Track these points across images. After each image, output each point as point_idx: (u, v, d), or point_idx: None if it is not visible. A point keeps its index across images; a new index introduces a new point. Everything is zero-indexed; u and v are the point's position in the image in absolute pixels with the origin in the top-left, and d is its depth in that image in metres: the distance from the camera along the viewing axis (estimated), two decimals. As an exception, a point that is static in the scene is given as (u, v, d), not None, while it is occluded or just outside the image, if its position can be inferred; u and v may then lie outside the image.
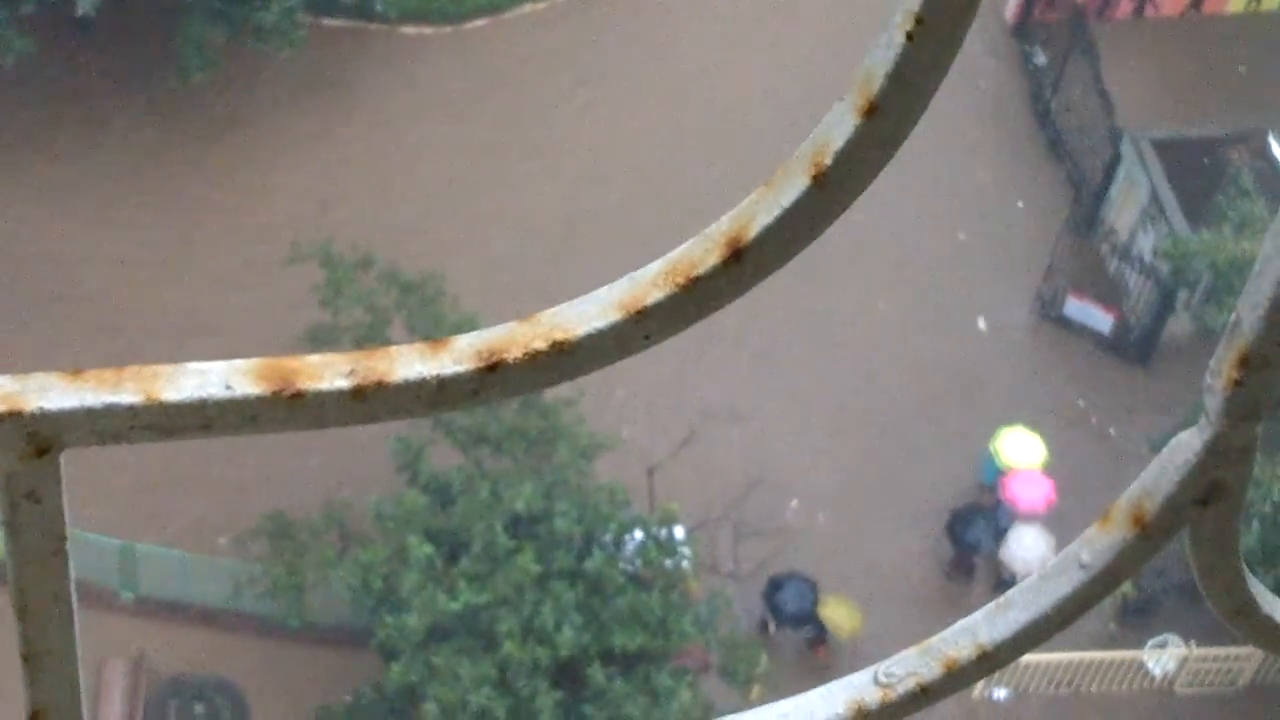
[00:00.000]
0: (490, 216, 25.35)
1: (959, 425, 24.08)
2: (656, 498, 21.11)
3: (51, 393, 1.11)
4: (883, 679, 1.45)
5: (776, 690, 21.61)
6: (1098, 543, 1.38)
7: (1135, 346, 25.53)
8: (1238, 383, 1.26)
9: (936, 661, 1.44)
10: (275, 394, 1.13)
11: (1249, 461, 1.32)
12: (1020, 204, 26.85)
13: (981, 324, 25.43)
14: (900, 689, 1.44)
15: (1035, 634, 1.42)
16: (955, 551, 23.23)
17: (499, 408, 20.87)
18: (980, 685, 22.45)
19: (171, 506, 22.44)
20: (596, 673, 19.02)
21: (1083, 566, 1.39)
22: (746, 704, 19.26)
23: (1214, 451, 1.31)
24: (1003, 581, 23.38)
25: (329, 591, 20.75)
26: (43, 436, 1.12)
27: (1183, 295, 25.24)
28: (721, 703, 20.27)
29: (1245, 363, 1.25)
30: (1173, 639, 22.54)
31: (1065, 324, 25.68)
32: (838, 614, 22.09)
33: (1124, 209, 26.45)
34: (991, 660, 1.43)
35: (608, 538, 20.19)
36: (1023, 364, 25.23)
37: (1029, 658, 22.33)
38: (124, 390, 1.12)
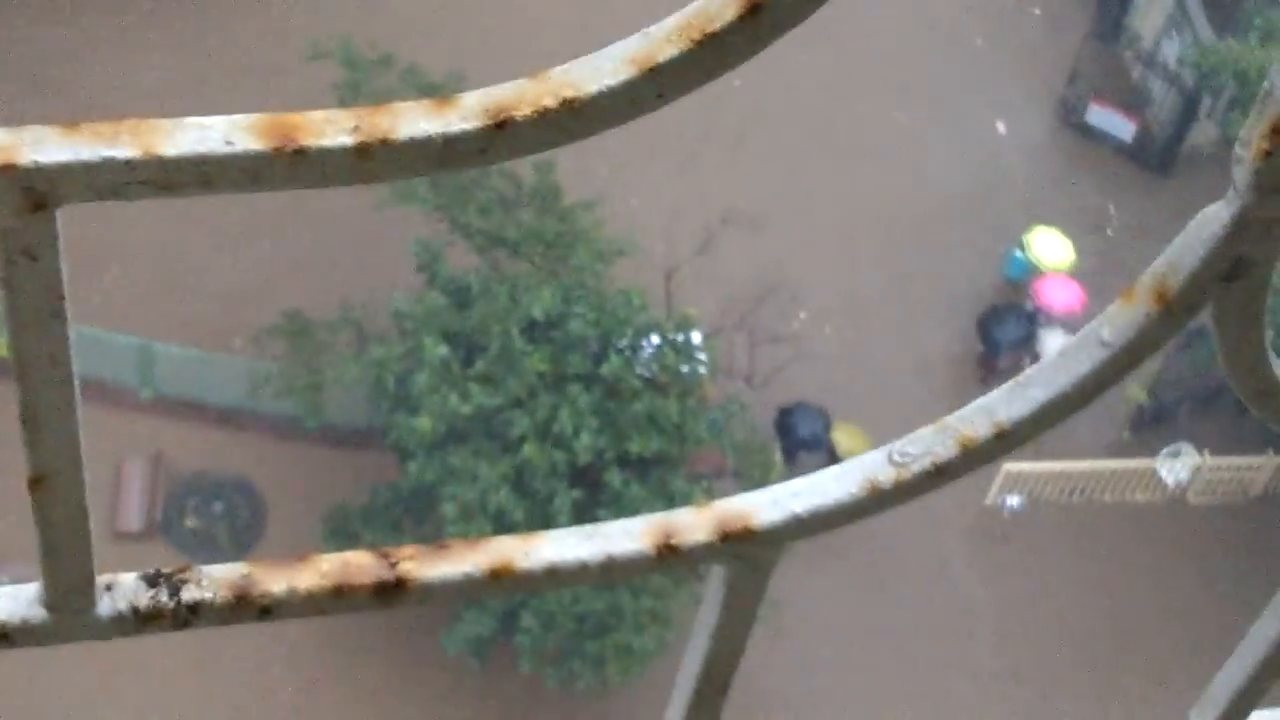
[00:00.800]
0: (512, 15, 25.12)
1: (980, 230, 24.01)
2: (673, 303, 21.08)
3: (47, 146, 1.08)
4: (897, 458, 1.43)
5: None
6: (1120, 319, 1.35)
7: (1157, 155, 25.37)
8: (1268, 153, 1.22)
9: (953, 440, 1.42)
10: (276, 150, 1.10)
11: (1277, 237, 1.29)
12: (1037, 10, 26.57)
13: (1001, 128, 25.27)
14: (915, 468, 1.42)
15: (1054, 412, 1.39)
16: (984, 350, 23.28)
17: (517, 209, 20.81)
18: (993, 492, 22.58)
19: (189, 306, 22.47)
20: (613, 477, 19.12)
21: (1104, 344, 1.36)
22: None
23: (1241, 225, 1.27)
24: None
25: (345, 391, 20.83)
26: (38, 191, 1.09)
27: (1206, 104, 25.04)
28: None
29: (1277, 132, 1.21)
30: (1186, 448, 22.62)
31: (1087, 131, 25.53)
32: (849, 440, 22.15)
33: (1149, 15, 26.15)
34: (1009, 439, 1.41)
35: (624, 342, 20.19)
36: (1043, 170, 25.11)
37: (1042, 465, 22.43)
38: (121, 144, 1.09)
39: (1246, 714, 1.84)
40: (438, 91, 20.58)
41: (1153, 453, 22.80)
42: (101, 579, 1.39)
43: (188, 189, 1.11)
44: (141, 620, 1.37)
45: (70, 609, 1.35)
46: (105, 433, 21.68)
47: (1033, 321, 23.19)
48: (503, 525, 19.02)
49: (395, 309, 20.22)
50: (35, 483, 1.29)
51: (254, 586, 1.38)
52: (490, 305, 19.78)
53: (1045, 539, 22.65)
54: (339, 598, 1.39)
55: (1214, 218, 1.28)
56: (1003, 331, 23.09)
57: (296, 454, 21.81)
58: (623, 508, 19.07)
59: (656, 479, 19.24)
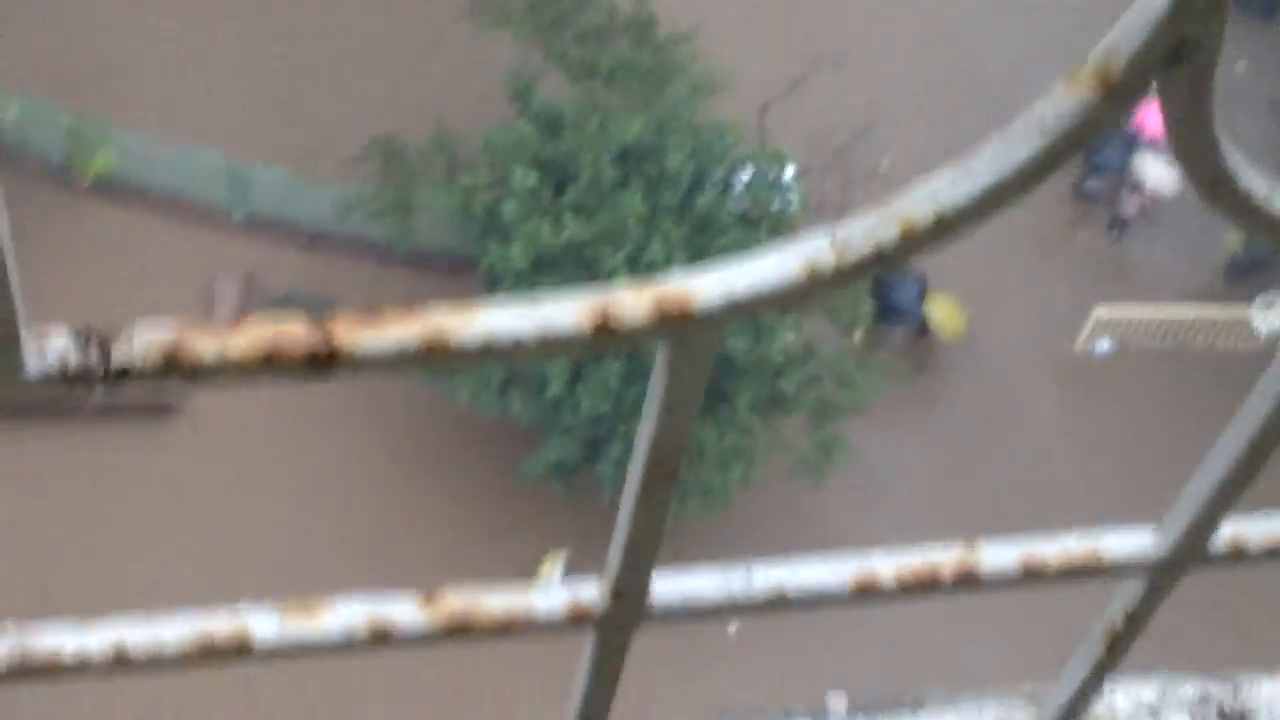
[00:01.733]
0: None
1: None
2: (766, 139, 20.95)
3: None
4: (838, 241, 1.41)
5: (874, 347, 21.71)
6: (1062, 104, 1.32)
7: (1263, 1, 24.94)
8: (1209, -73, 1.19)
9: (894, 224, 1.39)
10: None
11: (1221, 17, 1.25)
12: None
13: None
14: (856, 252, 1.40)
15: (997, 198, 1.37)
16: (1087, 173, 23.16)
17: (612, 39, 20.68)
18: (1083, 337, 22.44)
19: (281, 128, 22.51)
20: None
21: (1046, 129, 1.33)
22: (850, 347, 19.38)
23: (1183, 4, 1.24)
24: (1116, 219, 23.28)
25: (435, 217, 20.87)
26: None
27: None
28: (825, 345, 20.38)
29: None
30: (1281, 298, 22.42)
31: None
32: (942, 312, 22.07)
33: None
34: (950, 225, 1.38)
35: (717, 176, 20.12)
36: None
37: (1134, 310, 22.25)
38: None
39: (1216, 523, 1.82)
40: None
41: (1247, 301, 22.58)
42: (30, 334, 1.38)
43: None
44: (72, 379, 1.37)
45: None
46: (196, 251, 21.85)
47: (1130, 146, 22.93)
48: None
49: (486, 138, 20.20)
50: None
51: (183, 349, 1.38)
52: (582, 134, 19.72)
53: (1135, 385, 22.54)
54: (270, 365, 1.39)
55: (1156, -3, 1.25)
56: (1102, 156, 22.87)
57: (386, 277, 21.91)
58: (708, 341, 19.06)
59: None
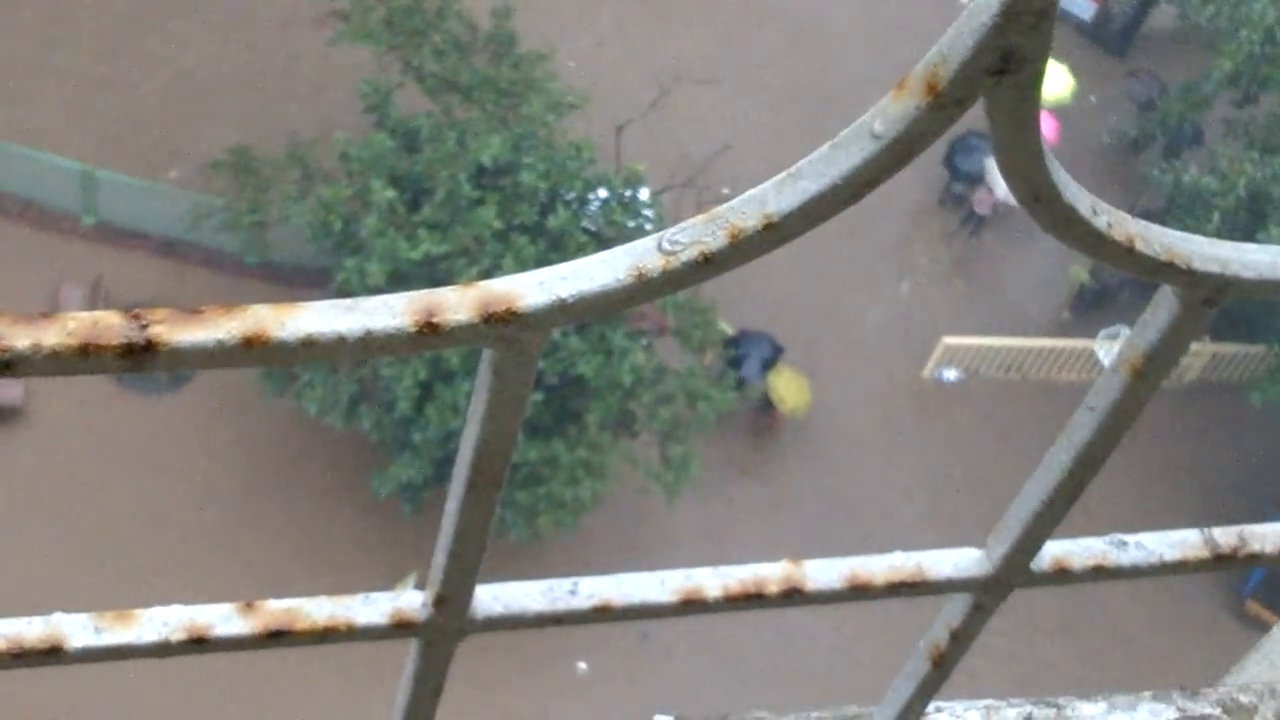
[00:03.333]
0: None
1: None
2: (624, 157, 20.99)
3: None
4: (666, 246, 1.40)
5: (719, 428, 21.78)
6: (891, 111, 1.32)
7: (1115, 36, 25.30)
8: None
9: (722, 231, 1.39)
10: None
11: (1047, 30, 1.26)
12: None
13: None
14: (684, 257, 1.39)
15: (824, 205, 1.37)
16: (952, 182, 23.40)
17: (471, 55, 20.65)
18: (930, 365, 22.67)
19: (133, 135, 22.27)
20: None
21: (875, 136, 1.33)
22: (701, 368, 19.42)
23: (1010, 15, 1.24)
24: (972, 214, 23.55)
25: (289, 229, 20.72)
26: None
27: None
28: (676, 364, 20.44)
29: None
30: (1125, 330, 22.71)
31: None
32: (786, 387, 21.95)
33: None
34: (778, 231, 1.38)
35: (572, 195, 20.12)
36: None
37: (980, 340, 22.51)
38: None
39: (1040, 543, 1.83)
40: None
41: (1092, 334, 22.90)
42: None
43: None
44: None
45: None
46: (44, 257, 21.56)
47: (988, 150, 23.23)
48: (438, 370, 19.02)
49: (343, 150, 20.08)
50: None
51: (-4, 339, 1.35)
52: (439, 150, 19.65)
53: (980, 414, 22.79)
54: (85, 357, 1.36)
55: (984, 7, 1.25)
56: (972, 163, 23.18)
57: (238, 289, 21.72)
58: (560, 360, 19.09)
59: (595, 334, 19.24)
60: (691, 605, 1.75)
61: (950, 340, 22.40)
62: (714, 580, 1.75)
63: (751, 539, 21.26)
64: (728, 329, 21.57)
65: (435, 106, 20.49)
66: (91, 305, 21.19)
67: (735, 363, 21.89)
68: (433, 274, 19.23)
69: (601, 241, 19.86)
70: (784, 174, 1.38)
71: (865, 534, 21.23)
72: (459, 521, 1.59)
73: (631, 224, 20.29)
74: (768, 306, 22.70)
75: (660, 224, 20.71)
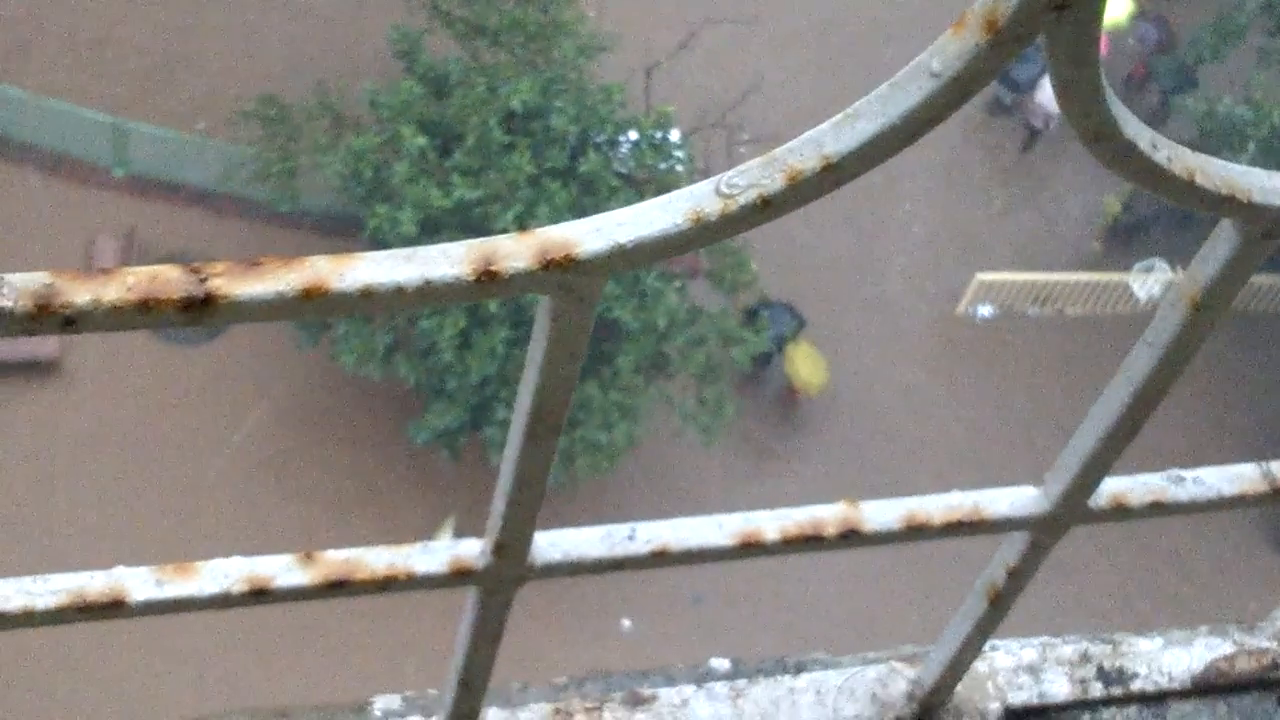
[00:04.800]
0: None
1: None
2: (653, 100, 20.93)
3: None
4: (724, 189, 1.40)
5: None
6: (949, 49, 1.31)
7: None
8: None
9: (780, 173, 1.38)
10: None
11: (1108, -37, 1.24)
12: None
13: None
14: (742, 200, 1.39)
15: (883, 145, 1.36)
16: (1003, 91, 23.34)
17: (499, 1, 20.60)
18: (964, 302, 22.60)
19: (163, 86, 22.27)
20: (585, 270, 19.09)
21: (933, 75, 1.32)
22: (734, 309, 19.42)
23: (1071, -49, 1.23)
24: (1031, 129, 23.43)
25: (320, 178, 20.72)
26: None
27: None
28: (710, 306, 20.42)
29: None
30: (1160, 263, 22.62)
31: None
32: (804, 365, 21.60)
33: None
34: (837, 172, 1.37)
35: (603, 138, 20.08)
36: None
37: (1014, 275, 22.43)
38: None
39: (1099, 480, 1.83)
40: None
41: (1126, 266, 22.81)
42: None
43: None
44: (-60, 325, 1.34)
45: None
46: (76, 209, 21.59)
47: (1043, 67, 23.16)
48: (476, 318, 19.03)
49: (372, 97, 20.05)
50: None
51: (56, 296, 1.35)
52: (469, 96, 19.61)
53: (1014, 349, 22.72)
54: (145, 312, 1.36)
55: (1044, -57, 1.24)
56: (1024, 71, 23.12)
57: (270, 238, 21.73)
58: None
59: (629, 277, 19.22)
60: (750, 548, 1.75)
61: (983, 276, 22.32)
62: (772, 522, 1.75)
63: (786, 491, 21.27)
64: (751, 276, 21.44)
65: (464, 51, 20.44)
66: (125, 258, 21.23)
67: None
68: (465, 220, 19.21)
69: (633, 185, 19.82)
70: (841, 114, 1.37)
71: (899, 481, 21.22)
72: (518, 469, 1.59)
73: (663, 166, 20.25)
74: (796, 234, 22.64)
75: (691, 166, 20.67)
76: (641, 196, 19.61)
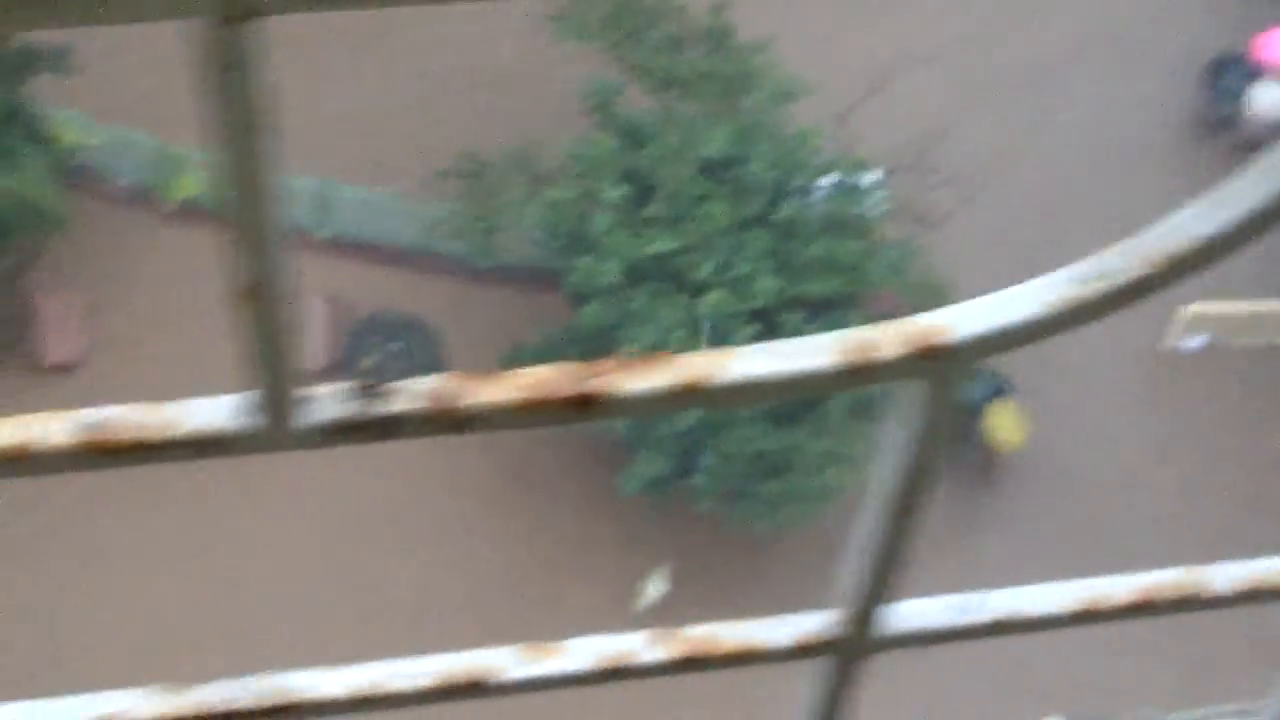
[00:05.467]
0: None
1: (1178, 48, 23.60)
2: (849, 143, 20.90)
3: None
4: (1092, 274, 1.43)
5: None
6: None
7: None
8: None
9: (1148, 256, 1.41)
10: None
11: None
12: None
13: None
14: (1110, 284, 1.41)
15: (1251, 228, 1.38)
16: (1210, 102, 23.11)
17: (689, 49, 20.71)
18: (1172, 336, 22.27)
19: (363, 146, 22.60)
20: (790, 318, 19.11)
21: (1302, 159, 1.34)
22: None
23: None
24: (1247, 140, 23.09)
25: (519, 233, 20.92)
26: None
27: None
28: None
29: None
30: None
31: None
32: (1003, 425, 21.16)
33: None
34: (1203, 255, 1.40)
35: (800, 183, 20.12)
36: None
37: (1224, 305, 22.07)
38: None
39: None
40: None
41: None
42: (306, 391, 1.42)
43: None
44: (345, 431, 1.41)
45: (276, 419, 1.39)
46: (284, 272, 21.90)
47: (1252, 75, 23.05)
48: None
49: (568, 151, 20.25)
50: (243, 295, 1.32)
51: (454, 398, 1.41)
52: (664, 147, 19.74)
53: (1226, 384, 22.32)
54: (536, 411, 1.42)
55: None
56: (1226, 83, 22.99)
57: (472, 294, 21.96)
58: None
59: (834, 320, 19.21)
60: (1090, 615, 1.78)
61: (1193, 308, 21.94)
62: (1113, 589, 1.77)
63: (990, 551, 21.02)
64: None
65: (657, 103, 20.58)
66: (333, 318, 21.57)
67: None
68: (666, 270, 19.33)
69: (833, 229, 19.82)
70: (1205, 199, 1.40)
71: (1108, 541, 20.87)
72: (878, 546, 1.63)
73: (861, 209, 20.26)
74: (996, 274, 22.42)
75: (889, 209, 20.62)
76: (841, 241, 19.60)
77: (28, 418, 1.37)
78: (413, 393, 1.42)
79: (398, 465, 20.82)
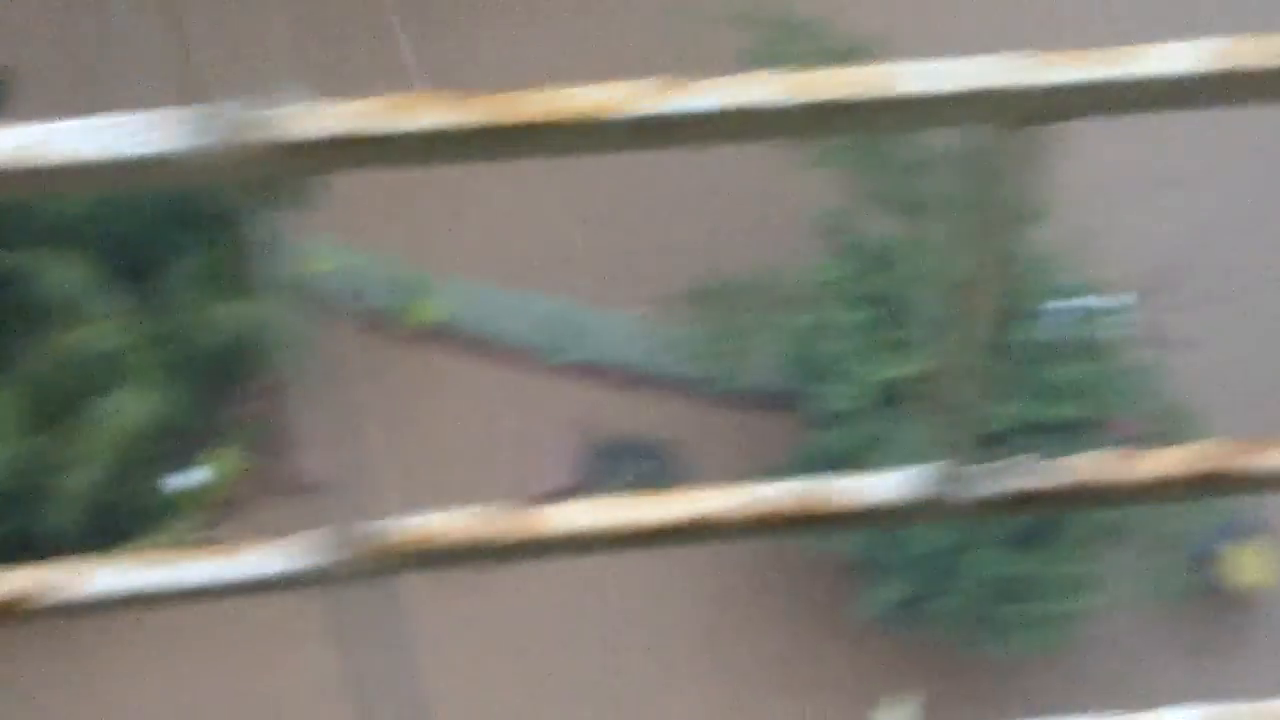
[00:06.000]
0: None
1: None
2: (1091, 266, 20.75)
3: (1031, 70, 1.20)
4: None
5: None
6: None
7: None
8: None
9: None
10: None
11: None
12: None
13: None
14: None
15: None
16: None
17: (932, 171, 20.72)
18: None
19: (598, 269, 22.77)
20: (1033, 442, 18.96)
21: None
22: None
23: None
24: None
25: (758, 355, 20.96)
26: (1024, 110, 1.19)
27: None
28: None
29: None
30: None
31: None
32: (1247, 566, 20.60)
33: None
34: None
35: (1043, 306, 20.01)
36: None
37: None
38: (1092, 66, 1.20)
39: None
40: (855, 58, 20.63)
41: None
42: (961, 469, 1.52)
43: (1149, 107, 1.22)
44: (1008, 504, 1.50)
45: (949, 493, 1.49)
46: (521, 396, 22.15)
47: None
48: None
49: (807, 275, 20.31)
50: (925, 379, 1.41)
51: (1101, 474, 1.49)
52: (905, 270, 19.75)
53: None
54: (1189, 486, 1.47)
55: None
56: None
57: (710, 417, 21.98)
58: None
59: (1078, 445, 19.03)
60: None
61: None
62: None
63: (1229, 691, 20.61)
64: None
65: (898, 225, 20.61)
66: (570, 443, 21.72)
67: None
68: (909, 395, 19.28)
69: (1076, 352, 19.69)
70: None
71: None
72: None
73: (1105, 332, 20.10)
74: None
75: (1137, 332, 20.42)
76: (1085, 363, 19.46)
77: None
78: (1062, 469, 1.51)
79: (637, 583, 20.90)
